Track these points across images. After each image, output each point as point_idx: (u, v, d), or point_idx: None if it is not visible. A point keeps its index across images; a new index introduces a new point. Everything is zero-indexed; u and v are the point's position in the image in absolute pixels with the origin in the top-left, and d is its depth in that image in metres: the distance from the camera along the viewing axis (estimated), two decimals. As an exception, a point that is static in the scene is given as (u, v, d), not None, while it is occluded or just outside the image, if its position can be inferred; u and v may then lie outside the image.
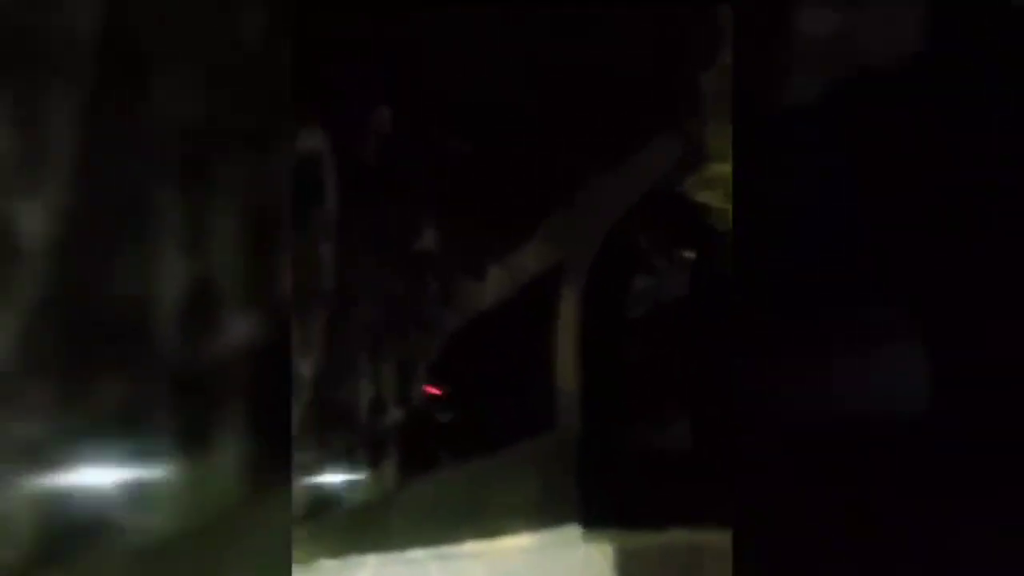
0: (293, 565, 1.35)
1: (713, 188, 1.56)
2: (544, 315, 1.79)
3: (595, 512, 1.51)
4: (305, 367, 2.56)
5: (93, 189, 1.18)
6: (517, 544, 1.70)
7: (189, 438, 1.28)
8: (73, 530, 1.33)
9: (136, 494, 1.30)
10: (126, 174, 1.21)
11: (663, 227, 1.73)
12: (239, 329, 1.30)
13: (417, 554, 2.08)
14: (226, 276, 1.30)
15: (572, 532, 1.52)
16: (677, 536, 1.40)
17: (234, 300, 1.31)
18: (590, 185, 1.77)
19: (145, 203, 1.24)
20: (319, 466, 2.88)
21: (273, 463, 1.32)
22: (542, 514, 1.66)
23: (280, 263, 1.37)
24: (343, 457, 2.71)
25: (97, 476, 1.36)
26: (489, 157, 2.27)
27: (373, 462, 2.48)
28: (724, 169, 1.48)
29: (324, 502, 2.86)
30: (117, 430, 1.30)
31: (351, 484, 2.67)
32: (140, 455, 1.28)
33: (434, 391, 2.32)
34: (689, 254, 1.73)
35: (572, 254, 1.77)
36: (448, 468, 2.24)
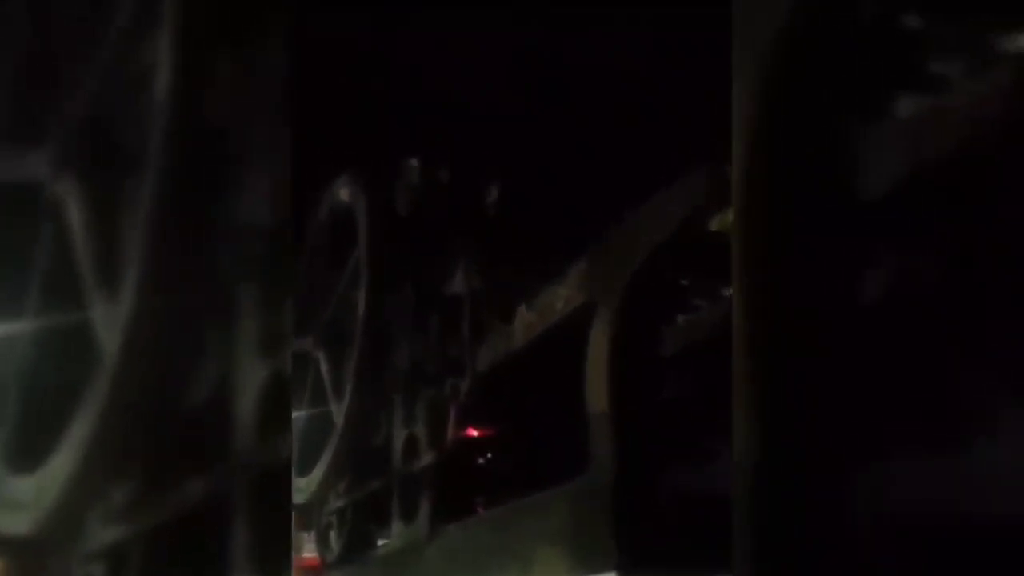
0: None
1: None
2: (576, 355, 1.78)
3: (633, 557, 1.47)
4: (337, 411, 2.56)
5: (171, 289, 1.19)
6: (553, 591, 1.67)
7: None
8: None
9: None
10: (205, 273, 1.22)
11: (701, 263, 1.71)
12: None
13: (451, 601, 2.05)
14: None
15: (609, 578, 1.48)
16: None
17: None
18: (620, 222, 1.77)
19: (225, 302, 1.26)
20: (352, 510, 2.86)
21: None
22: (578, 559, 1.63)
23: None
24: (376, 501, 2.69)
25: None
26: (518, 198, 2.27)
27: (406, 505, 2.46)
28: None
29: (357, 546, 2.83)
30: (197, 529, 1.30)
31: (384, 528, 2.65)
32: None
33: (467, 433, 2.30)
34: (728, 291, 1.71)
35: (603, 292, 1.76)
36: (482, 512, 2.21)
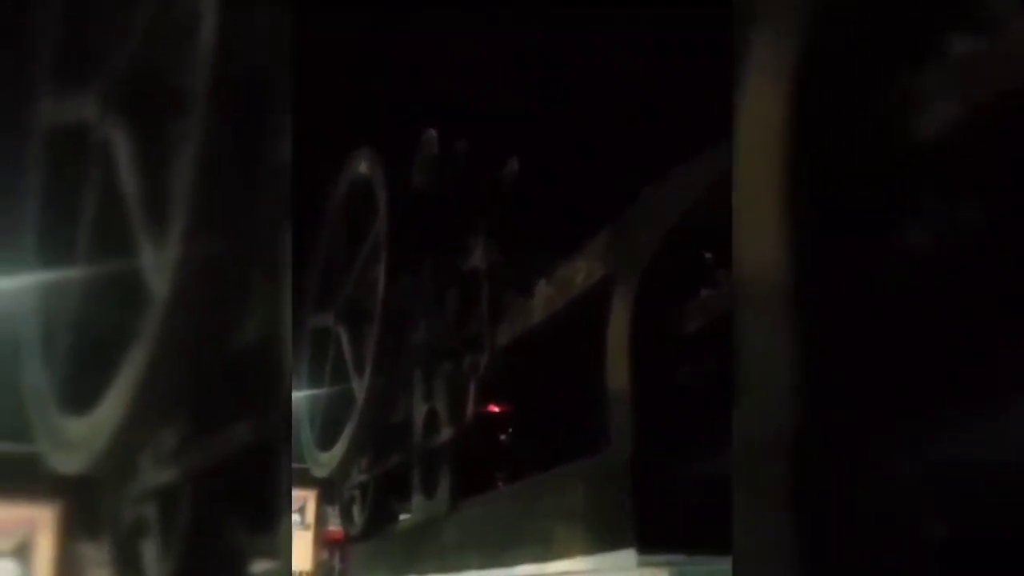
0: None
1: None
2: (596, 330, 1.75)
3: (652, 535, 1.45)
4: (359, 386, 2.56)
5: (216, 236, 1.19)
6: (571, 568, 1.65)
7: None
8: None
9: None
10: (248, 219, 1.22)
11: (724, 237, 1.66)
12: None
13: (471, 576, 2.05)
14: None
15: (628, 557, 1.47)
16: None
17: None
18: (640, 197, 1.73)
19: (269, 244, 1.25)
20: (374, 484, 2.87)
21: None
22: (597, 537, 1.61)
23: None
24: (397, 476, 2.70)
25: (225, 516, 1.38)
26: (538, 172, 2.24)
27: (427, 480, 2.46)
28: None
29: (379, 520, 2.85)
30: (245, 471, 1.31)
31: (405, 503, 2.65)
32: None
33: (487, 409, 2.29)
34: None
35: (623, 266, 1.72)
36: (501, 488, 2.20)
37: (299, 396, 2.95)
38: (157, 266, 1.23)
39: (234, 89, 1.17)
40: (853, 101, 0.86)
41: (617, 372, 1.65)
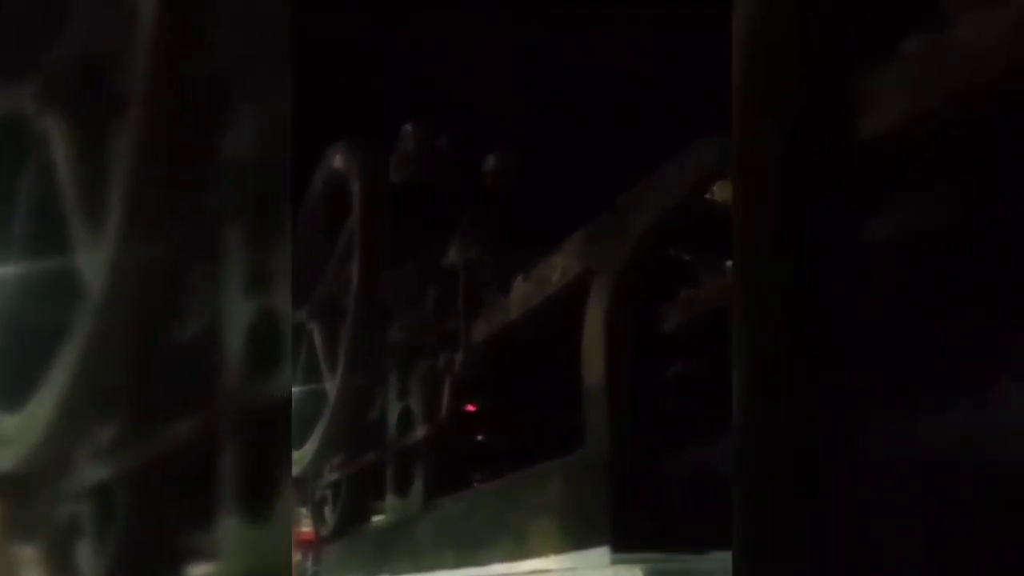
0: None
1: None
2: (573, 326, 1.73)
3: (627, 534, 1.44)
4: (331, 384, 2.52)
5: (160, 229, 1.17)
6: (545, 566, 1.64)
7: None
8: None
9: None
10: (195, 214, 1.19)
11: (703, 236, 1.66)
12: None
13: None
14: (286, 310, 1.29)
15: (602, 555, 1.45)
16: (719, 560, 1.31)
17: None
18: (621, 192, 1.72)
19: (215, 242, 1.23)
20: (346, 484, 2.83)
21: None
22: (572, 535, 1.60)
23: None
24: (370, 474, 2.67)
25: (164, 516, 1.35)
26: (516, 169, 2.22)
27: (401, 479, 2.43)
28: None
29: (352, 520, 2.82)
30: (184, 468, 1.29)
31: (379, 501, 2.62)
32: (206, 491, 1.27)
33: (462, 407, 2.27)
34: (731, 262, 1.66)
35: (601, 262, 1.71)
36: (476, 485, 2.18)
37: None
38: (93, 262, 1.21)
39: (176, 85, 1.15)
40: (805, 95, 0.85)
41: (592, 369, 1.64)
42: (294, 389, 2.80)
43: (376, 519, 2.69)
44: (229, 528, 1.24)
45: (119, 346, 1.16)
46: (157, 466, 1.31)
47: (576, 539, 1.55)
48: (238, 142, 1.24)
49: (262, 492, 1.25)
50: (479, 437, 2.26)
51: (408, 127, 2.36)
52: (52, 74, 1.37)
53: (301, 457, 2.65)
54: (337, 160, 2.63)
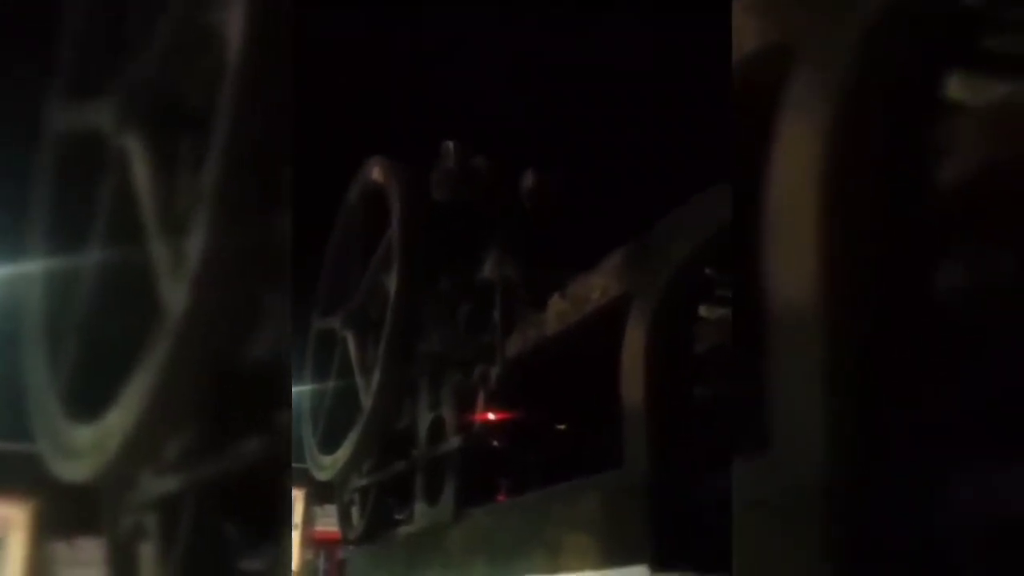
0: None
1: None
2: (610, 347, 1.77)
3: (666, 552, 1.47)
4: (364, 392, 2.57)
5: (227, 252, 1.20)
6: (581, 582, 1.68)
7: None
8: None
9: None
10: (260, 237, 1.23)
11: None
12: None
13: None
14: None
15: (640, 573, 1.49)
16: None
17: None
18: (660, 216, 1.75)
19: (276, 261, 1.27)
20: (375, 490, 2.88)
21: None
22: (606, 552, 1.64)
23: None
24: (399, 482, 2.71)
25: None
26: (556, 187, 2.26)
27: (430, 488, 2.48)
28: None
29: (379, 525, 2.86)
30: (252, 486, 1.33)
31: (407, 509, 2.67)
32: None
33: (493, 418, 2.31)
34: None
35: (641, 286, 1.75)
36: (508, 498, 2.22)
37: (301, 397, 2.96)
38: (171, 278, 1.25)
39: (251, 107, 1.19)
40: (887, 143, 0.89)
41: (632, 391, 1.68)
42: (327, 394, 2.85)
43: (404, 525, 2.74)
44: (287, 540, 1.28)
45: (195, 365, 1.21)
46: (222, 482, 1.36)
47: (613, 556, 1.59)
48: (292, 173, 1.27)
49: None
50: (511, 450, 2.30)
51: (449, 144, 2.41)
52: (132, 92, 1.41)
53: (333, 463, 2.70)
54: (375, 172, 2.68)
